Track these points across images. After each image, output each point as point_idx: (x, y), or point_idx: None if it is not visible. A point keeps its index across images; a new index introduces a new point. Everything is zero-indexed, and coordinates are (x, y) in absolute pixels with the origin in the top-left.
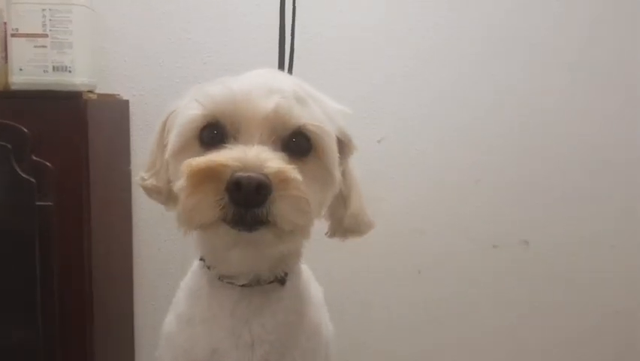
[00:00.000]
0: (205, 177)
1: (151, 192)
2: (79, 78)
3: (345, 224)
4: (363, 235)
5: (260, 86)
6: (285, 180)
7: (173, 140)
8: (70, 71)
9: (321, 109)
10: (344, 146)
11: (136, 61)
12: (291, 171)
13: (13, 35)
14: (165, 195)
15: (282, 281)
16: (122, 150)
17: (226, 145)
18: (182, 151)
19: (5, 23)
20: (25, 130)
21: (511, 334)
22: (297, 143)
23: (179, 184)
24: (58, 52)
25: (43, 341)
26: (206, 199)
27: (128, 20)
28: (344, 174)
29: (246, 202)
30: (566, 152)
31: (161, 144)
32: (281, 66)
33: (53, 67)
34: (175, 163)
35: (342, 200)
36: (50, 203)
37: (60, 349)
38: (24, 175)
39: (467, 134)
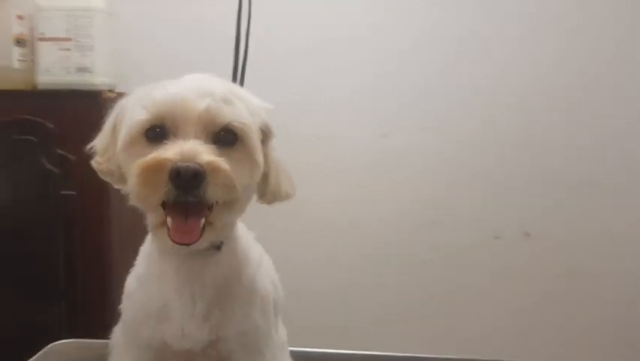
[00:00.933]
0: (151, 171)
1: (105, 174)
2: (99, 78)
3: (267, 196)
4: (284, 201)
5: (194, 90)
6: (216, 169)
7: (123, 136)
8: (91, 72)
9: (246, 107)
10: (265, 134)
11: (152, 62)
12: (221, 161)
13: (40, 39)
14: (117, 177)
15: (218, 247)
16: None
17: (167, 140)
18: (131, 146)
19: (33, 28)
20: (50, 126)
21: (511, 323)
22: (225, 136)
23: (131, 179)
24: (81, 54)
25: (65, 319)
26: (154, 189)
27: (145, 25)
28: (265, 156)
29: (185, 186)
30: (569, 145)
31: (114, 135)
32: (235, 71)
33: (76, 68)
34: (124, 155)
35: (264, 177)
36: (74, 192)
37: (81, 327)
38: (49, 166)
39: (469, 128)
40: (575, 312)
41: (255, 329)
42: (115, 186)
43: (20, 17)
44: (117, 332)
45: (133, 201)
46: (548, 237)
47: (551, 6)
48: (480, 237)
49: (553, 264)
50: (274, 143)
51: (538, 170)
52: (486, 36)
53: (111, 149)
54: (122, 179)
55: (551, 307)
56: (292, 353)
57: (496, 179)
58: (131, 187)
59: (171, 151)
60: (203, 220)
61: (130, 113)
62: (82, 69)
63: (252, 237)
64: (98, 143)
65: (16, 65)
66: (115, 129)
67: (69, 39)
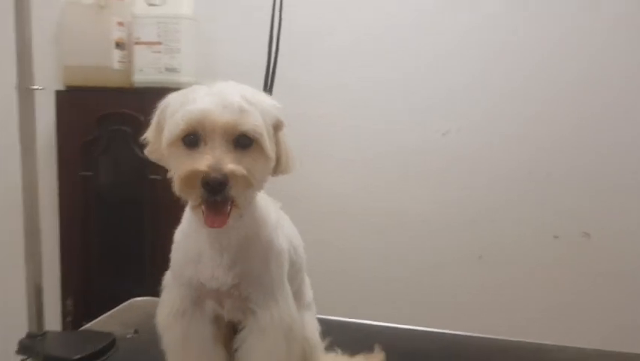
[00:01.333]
0: (189, 179)
1: (154, 159)
2: (184, 77)
3: (277, 173)
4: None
5: (218, 104)
6: (236, 176)
7: (166, 139)
8: (177, 72)
9: (259, 111)
10: (277, 126)
11: (231, 63)
12: (240, 169)
13: (136, 43)
14: (163, 162)
15: (240, 215)
16: None
17: (199, 145)
18: (172, 146)
19: (130, 34)
20: (142, 118)
21: (568, 319)
22: (243, 140)
23: (175, 179)
24: (169, 56)
25: (149, 290)
26: (191, 191)
27: (225, 30)
28: (277, 142)
29: (213, 191)
30: (629, 146)
31: (158, 131)
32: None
33: (165, 68)
34: (167, 152)
35: (277, 159)
36: (159, 177)
37: (157, 289)
38: (140, 154)
39: (533, 129)
40: (635, 313)
41: (269, 277)
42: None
43: (120, 24)
44: (168, 274)
45: (176, 192)
46: (608, 238)
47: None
48: (539, 235)
49: (613, 264)
50: (284, 131)
51: (598, 170)
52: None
53: (157, 141)
54: (165, 161)
55: (609, 307)
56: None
57: (556, 179)
58: (174, 184)
59: (203, 163)
60: (228, 209)
61: (170, 120)
62: (170, 69)
63: (278, 206)
64: (148, 135)
65: (116, 65)
66: (159, 126)
67: (160, 43)
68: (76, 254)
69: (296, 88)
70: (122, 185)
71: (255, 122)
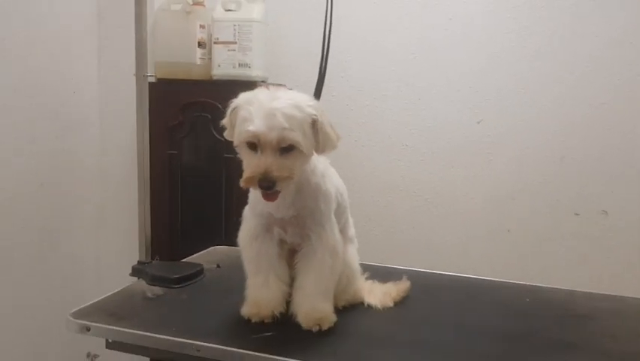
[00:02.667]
0: (250, 179)
1: (228, 138)
2: (255, 72)
3: (320, 152)
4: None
5: (267, 126)
6: (279, 177)
7: (236, 137)
8: (249, 67)
9: (297, 122)
10: (314, 121)
11: (298, 60)
12: (282, 171)
13: (215, 43)
14: (232, 140)
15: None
16: None
17: (258, 149)
18: (240, 144)
19: (211, 35)
20: (219, 105)
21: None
22: (288, 148)
23: (243, 178)
24: (242, 54)
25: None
26: (252, 183)
27: (293, 31)
28: (317, 131)
29: (265, 188)
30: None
31: (230, 122)
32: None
33: (239, 64)
34: (238, 147)
35: (317, 143)
36: (233, 155)
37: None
38: (218, 136)
39: (553, 116)
40: None
41: (318, 211)
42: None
43: (202, 26)
44: (246, 209)
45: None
46: (625, 215)
47: None
48: (561, 212)
49: (628, 240)
50: (322, 119)
51: (617, 154)
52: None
53: (230, 129)
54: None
55: (626, 279)
56: None
57: (578, 162)
58: (241, 180)
59: (259, 167)
60: (278, 193)
61: (238, 127)
62: (243, 65)
63: (327, 163)
64: (224, 123)
65: (198, 61)
66: (231, 120)
67: (235, 42)
68: (164, 220)
69: (348, 80)
70: (202, 162)
71: (293, 137)
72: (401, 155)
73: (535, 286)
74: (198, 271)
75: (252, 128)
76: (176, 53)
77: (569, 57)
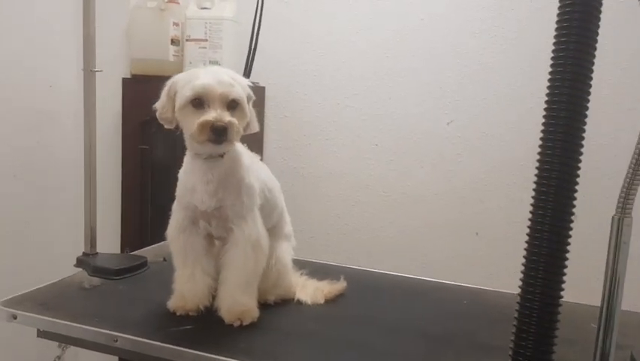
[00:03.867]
0: (202, 126)
1: (164, 121)
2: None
3: (246, 131)
4: (253, 132)
5: (215, 80)
6: (231, 124)
7: (178, 102)
8: (219, 64)
9: (240, 85)
10: (249, 98)
11: (270, 58)
12: (234, 120)
13: (187, 40)
14: (170, 123)
15: (222, 156)
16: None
17: (203, 107)
18: (183, 108)
19: (183, 32)
20: None
21: None
22: (232, 104)
23: (188, 127)
24: (213, 51)
25: None
26: (203, 134)
27: (267, 29)
28: (250, 110)
29: (218, 133)
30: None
31: (169, 99)
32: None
33: (209, 61)
34: (180, 113)
35: (248, 122)
36: None
37: None
38: None
39: (525, 117)
40: None
41: (240, 203)
42: (165, 127)
43: (176, 24)
44: (175, 203)
45: (190, 138)
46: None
47: None
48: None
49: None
50: (251, 103)
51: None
52: None
53: (167, 107)
54: (170, 124)
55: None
56: None
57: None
58: (188, 131)
59: (209, 115)
60: None
61: (181, 91)
62: (213, 62)
63: (258, 159)
64: (159, 104)
65: (172, 58)
66: (169, 97)
67: (206, 40)
68: (134, 213)
69: (321, 79)
70: (173, 157)
71: (239, 92)
72: (371, 154)
73: (478, 288)
74: (141, 264)
75: (199, 82)
76: (150, 50)
77: (542, 57)
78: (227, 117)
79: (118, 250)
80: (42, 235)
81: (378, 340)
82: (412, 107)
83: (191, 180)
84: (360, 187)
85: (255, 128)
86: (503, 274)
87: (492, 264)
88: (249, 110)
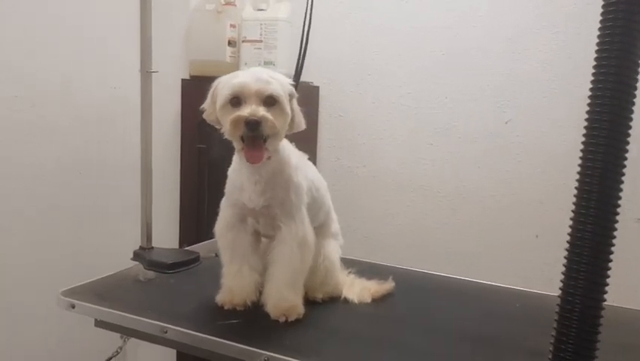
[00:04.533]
0: (236, 121)
1: (210, 120)
2: (279, 69)
3: (291, 130)
4: (299, 130)
5: (252, 78)
6: (265, 119)
7: (219, 102)
8: (274, 65)
9: (278, 82)
10: (291, 96)
11: (325, 58)
12: (268, 115)
13: (243, 41)
14: (215, 123)
15: (268, 158)
16: (311, 123)
17: (241, 105)
18: (223, 108)
19: (239, 34)
20: None
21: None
22: (269, 100)
23: (226, 124)
24: (268, 52)
25: None
26: (237, 129)
27: (320, 28)
28: (292, 108)
29: (251, 127)
30: None
31: (212, 101)
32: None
33: (264, 62)
34: (220, 112)
35: (291, 120)
36: None
37: None
38: None
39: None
40: None
41: (289, 201)
42: (216, 126)
43: (232, 26)
44: (223, 200)
45: (226, 135)
46: None
47: None
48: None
49: None
50: (295, 100)
51: None
52: None
53: (211, 107)
54: (219, 124)
55: None
56: None
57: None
58: (225, 128)
59: (245, 111)
60: (263, 147)
61: (221, 91)
62: (268, 62)
63: (305, 158)
64: (205, 105)
65: (228, 59)
66: (213, 98)
67: (261, 41)
68: (192, 210)
69: (376, 78)
70: (228, 156)
71: (276, 88)
72: (426, 153)
73: (532, 292)
74: (194, 259)
75: (236, 80)
76: (208, 52)
77: None
78: (261, 112)
79: (176, 245)
80: (104, 229)
81: (423, 341)
82: (468, 106)
83: (239, 178)
84: (414, 187)
85: (300, 126)
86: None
87: (552, 268)
88: (294, 107)
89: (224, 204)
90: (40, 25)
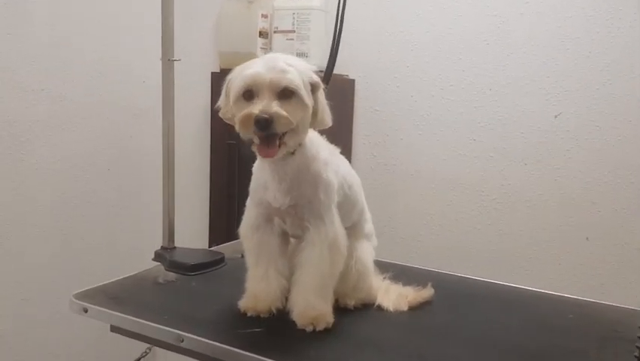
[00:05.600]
0: (245, 119)
1: (226, 119)
2: (312, 60)
3: (315, 124)
4: (325, 127)
5: (265, 67)
6: (278, 116)
7: (232, 96)
8: (307, 56)
9: (297, 72)
10: (314, 86)
11: (360, 49)
12: (281, 110)
13: (274, 32)
14: (231, 119)
15: (292, 153)
16: (346, 118)
17: (254, 98)
18: (236, 102)
19: (271, 24)
20: None
21: None
22: (285, 93)
23: (237, 122)
24: (300, 43)
25: None
26: (247, 127)
27: (356, 19)
28: (315, 100)
29: (262, 126)
30: None
31: (227, 96)
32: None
33: (296, 53)
34: (234, 107)
35: (314, 113)
36: None
37: None
38: None
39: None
40: None
41: (317, 200)
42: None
43: (264, 16)
44: (248, 199)
45: (239, 133)
46: None
47: None
48: None
49: None
50: (322, 91)
51: None
52: None
53: (227, 104)
54: (233, 119)
55: None
56: None
57: None
58: (237, 126)
59: (255, 107)
60: (277, 143)
61: (234, 84)
62: (300, 54)
63: (337, 152)
64: (220, 102)
65: (259, 51)
66: (227, 92)
67: (293, 31)
68: (222, 208)
69: (414, 70)
70: None
71: (293, 79)
72: (468, 150)
73: (587, 301)
74: (218, 260)
75: (248, 71)
76: (238, 43)
77: None
78: (274, 107)
79: (206, 245)
80: (131, 228)
81: (466, 355)
82: (514, 99)
83: (263, 176)
84: (455, 186)
85: (326, 122)
86: (617, 285)
87: (604, 273)
88: (319, 100)
89: (249, 203)
90: (68, 16)
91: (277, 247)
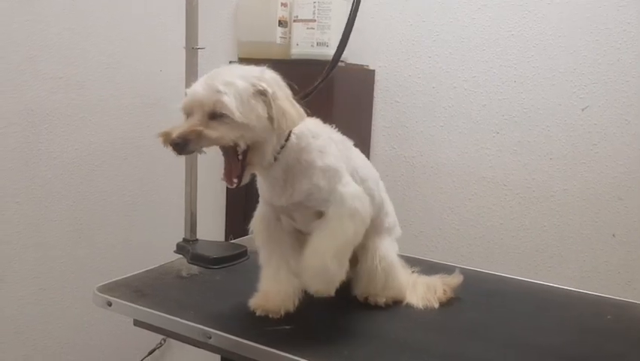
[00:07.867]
0: (163, 138)
1: None
2: (333, 50)
3: (277, 131)
4: (294, 127)
5: (202, 87)
6: (199, 136)
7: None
8: (327, 46)
9: (234, 89)
10: (263, 93)
11: (381, 39)
12: (208, 131)
13: (294, 21)
14: None
15: (275, 159)
16: (365, 109)
17: (190, 117)
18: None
19: (291, 13)
20: (296, 86)
21: None
22: (214, 112)
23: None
24: (321, 32)
25: None
26: (165, 142)
27: (377, 9)
28: (269, 107)
29: (178, 150)
30: None
31: None
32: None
33: (317, 43)
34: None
35: (271, 120)
36: None
37: None
38: None
39: None
40: None
41: (318, 190)
42: None
43: (284, 4)
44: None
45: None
46: None
47: None
48: None
49: None
50: (279, 94)
51: None
52: None
53: None
54: None
55: None
56: None
57: None
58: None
59: (173, 128)
60: (240, 167)
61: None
62: (321, 44)
63: (350, 144)
64: None
65: (279, 40)
66: None
67: (314, 20)
68: (239, 200)
69: (436, 61)
70: None
71: (223, 100)
72: (491, 143)
73: (624, 301)
74: (241, 253)
75: (189, 90)
76: (257, 33)
77: None
78: (195, 127)
79: (222, 238)
80: (149, 219)
81: (496, 357)
82: (540, 91)
83: (263, 181)
84: (477, 179)
85: (288, 125)
86: None
87: (631, 270)
88: (274, 106)
89: (260, 199)
90: (86, 4)
91: (289, 245)
